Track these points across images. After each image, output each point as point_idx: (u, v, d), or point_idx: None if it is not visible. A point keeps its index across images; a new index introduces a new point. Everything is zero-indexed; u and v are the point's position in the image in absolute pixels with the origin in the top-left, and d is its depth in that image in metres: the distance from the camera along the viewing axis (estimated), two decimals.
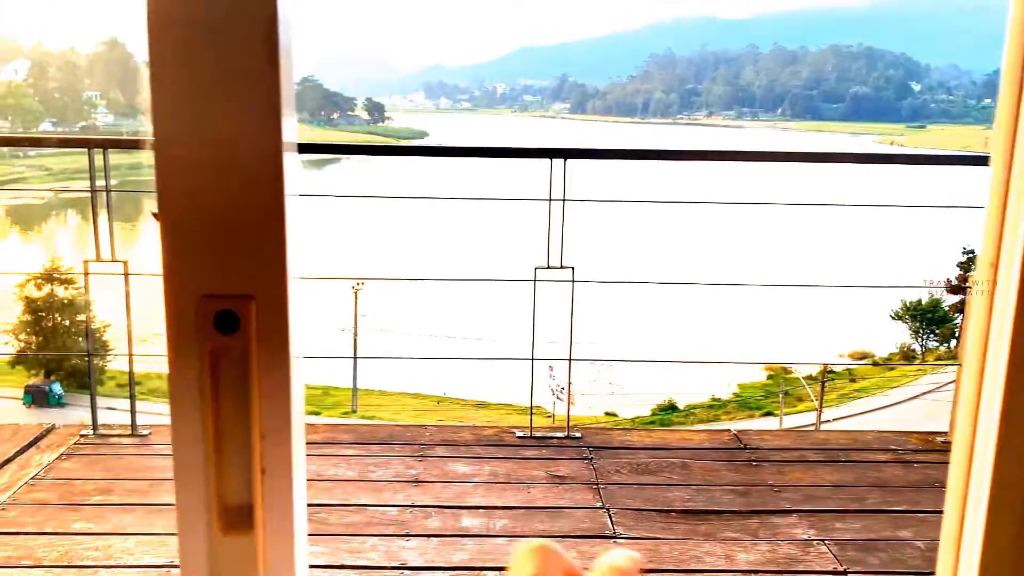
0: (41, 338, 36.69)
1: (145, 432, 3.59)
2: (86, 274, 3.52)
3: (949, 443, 3.74)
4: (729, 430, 3.81)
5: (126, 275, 3.54)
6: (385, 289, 45.43)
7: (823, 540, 2.91)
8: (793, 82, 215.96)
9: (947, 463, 0.55)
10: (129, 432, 3.59)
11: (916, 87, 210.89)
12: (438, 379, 39.43)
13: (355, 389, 37.94)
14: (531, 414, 3.84)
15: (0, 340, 38.14)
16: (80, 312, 36.33)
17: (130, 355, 3.67)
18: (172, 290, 0.41)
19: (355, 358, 37.46)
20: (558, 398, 37.78)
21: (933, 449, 3.69)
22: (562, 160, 3.54)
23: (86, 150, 3.55)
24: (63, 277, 36.07)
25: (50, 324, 36.67)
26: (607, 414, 37.60)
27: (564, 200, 3.57)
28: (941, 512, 0.58)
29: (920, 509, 3.13)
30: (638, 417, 38.14)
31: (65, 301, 36.47)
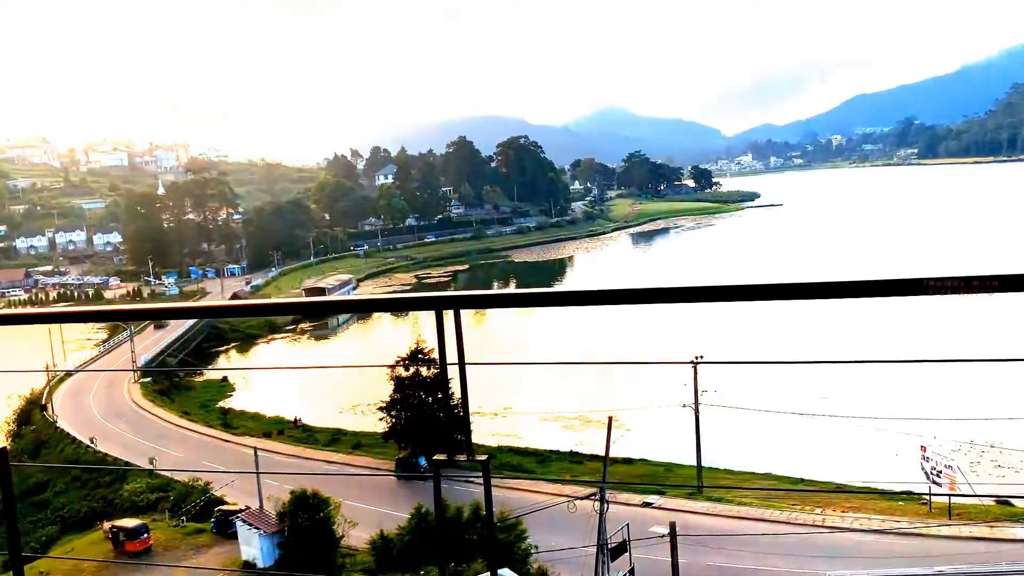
0: (408, 413, 40.03)
1: None
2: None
3: None
4: None
5: None
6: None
7: None
8: None
9: None
10: None
11: None
12: (791, 458, 36.60)
13: (699, 466, 36.34)
14: None
15: (375, 416, 42.38)
16: (440, 390, 39.13)
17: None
18: None
19: (697, 433, 35.96)
20: (935, 483, 32.89)
21: None
22: None
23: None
24: (427, 358, 39.19)
25: (415, 401, 39.89)
26: (998, 502, 32.29)
27: None
28: None
29: None
30: None
31: (428, 380, 39.54)
